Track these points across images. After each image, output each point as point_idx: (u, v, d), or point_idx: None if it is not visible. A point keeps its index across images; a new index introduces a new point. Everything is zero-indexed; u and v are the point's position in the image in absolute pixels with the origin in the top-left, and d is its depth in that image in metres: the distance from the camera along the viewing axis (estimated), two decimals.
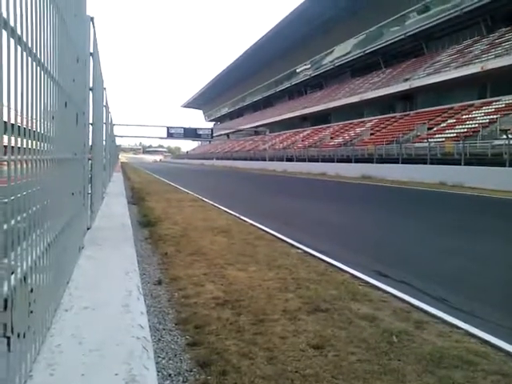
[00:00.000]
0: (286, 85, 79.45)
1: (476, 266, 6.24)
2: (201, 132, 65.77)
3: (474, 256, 6.92)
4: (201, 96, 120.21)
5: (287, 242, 7.43)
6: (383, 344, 3.41)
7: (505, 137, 24.20)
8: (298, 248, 6.97)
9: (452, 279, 5.49)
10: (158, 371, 2.96)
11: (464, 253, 7.14)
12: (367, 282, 5.10)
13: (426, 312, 4.16)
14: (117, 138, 43.81)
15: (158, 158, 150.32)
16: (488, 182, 21.25)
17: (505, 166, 22.44)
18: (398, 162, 31.20)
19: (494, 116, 30.75)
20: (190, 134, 64.88)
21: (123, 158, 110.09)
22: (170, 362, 3.15)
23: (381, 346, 3.38)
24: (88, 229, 5.06)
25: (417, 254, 7.07)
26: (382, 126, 45.13)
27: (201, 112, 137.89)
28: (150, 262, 5.97)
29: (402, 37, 48.84)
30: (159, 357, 3.20)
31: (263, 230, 8.62)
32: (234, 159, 71.48)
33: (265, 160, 57.51)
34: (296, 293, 4.61)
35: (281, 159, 53.09)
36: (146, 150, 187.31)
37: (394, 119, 45.27)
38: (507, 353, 3.32)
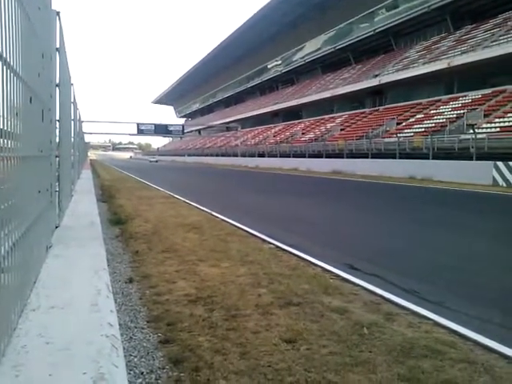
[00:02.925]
0: (258, 81, 79.47)
1: (444, 258, 6.37)
2: (172, 128, 65.13)
3: (443, 248, 7.07)
4: (172, 92, 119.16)
5: (259, 238, 7.44)
6: (354, 336, 3.45)
7: (471, 131, 24.76)
8: (270, 243, 6.99)
9: (422, 271, 5.59)
10: (130, 369, 2.93)
11: (433, 245, 7.28)
12: (338, 276, 5.16)
13: (396, 304, 4.23)
14: (86, 135, 43.06)
15: (128, 154, 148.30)
16: (455, 175, 21.75)
17: (471, 160, 22.99)
18: (367, 157, 31.66)
19: (461, 111, 31.43)
20: (161, 130, 64.20)
21: (92, 155, 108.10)
22: (143, 360, 3.12)
23: (352, 338, 3.42)
24: (56, 227, 4.96)
25: (387, 247, 7.18)
26: (352, 121, 45.63)
27: (172, 108, 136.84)
28: (121, 260, 5.90)
29: (372, 33, 49.42)
30: (131, 355, 3.17)
31: (235, 226, 8.61)
32: (206, 155, 71.28)
33: (237, 156, 57.48)
34: (268, 288, 4.62)
35: (253, 155, 53.16)
36: (116, 147, 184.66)
37: (363, 115, 45.80)
38: (474, 341, 3.40)
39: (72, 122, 9.06)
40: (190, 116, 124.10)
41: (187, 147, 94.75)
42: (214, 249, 6.43)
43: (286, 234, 7.90)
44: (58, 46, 4.87)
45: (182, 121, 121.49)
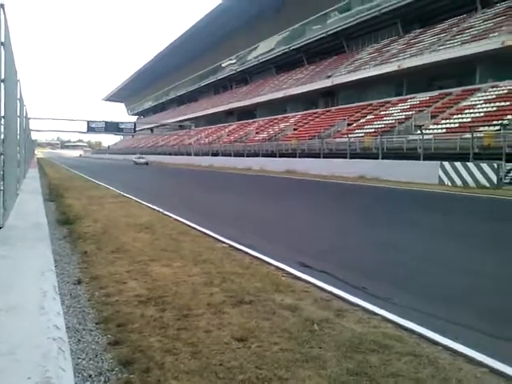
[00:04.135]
0: (212, 79, 79.20)
1: (391, 255, 6.57)
2: (123, 126, 63.92)
3: (391, 245, 7.29)
4: (123, 89, 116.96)
5: (212, 237, 7.42)
6: (305, 333, 3.51)
7: (419, 132, 25.58)
8: (224, 242, 6.98)
9: (370, 268, 5.74)
10: (78, 373, 2.86)
11: (380, 242, 7.49)
12: (290, 274, 5.22)
13: (345, 300, 4.32)
14: (33, 133, 41.64)
15: (77, 153, 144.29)
16: (403, 175, 22.43)
17: (419, 160, 23.78)
18: (319, 157, 32.14)
19: (410, 112, 32.44)
20: (112, 128, 62.90)
21: (40, 153, 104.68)
22: (91, 362, 3.05)
23: (303, 334, 3.48)
24: (0, 227, 4.78)
25: (338, 245, 7.33)
26: (305, 121, 46.21)
27: (123, 105, 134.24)
28: (69, 261, 5.74)
29: (324, 35, 50.25)
30: (79, 358, 3.09)
31: (188, 225, 8.56)
32: (159, 154, 70.39)
33: (190, 155, 57.07)
34: (221, 287, 4.63)
35: (206, 154, 52.96)
36: (65, 145, 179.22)
37: (316, 115, 46.47)
38: (419, 335, 3.53)
39: (18, 119, 8.76)
40: (143, 114, 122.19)
41: (139, 145, 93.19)
42: (165, 248, 6.37)
43: (239, 233, 7.92)
44: (2, 39, 4.70)
45: (133, 119, 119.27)
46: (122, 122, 66.11)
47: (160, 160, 62.74)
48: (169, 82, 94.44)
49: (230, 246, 6.75)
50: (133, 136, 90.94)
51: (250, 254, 6.17)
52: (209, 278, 4.91)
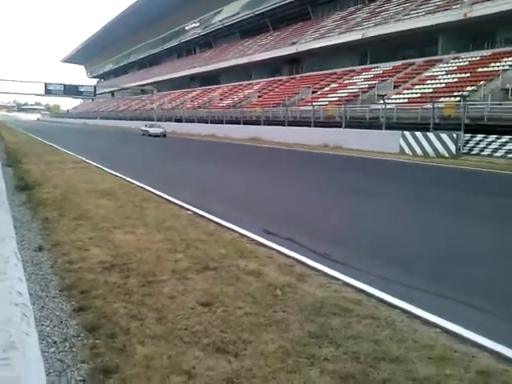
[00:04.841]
0: (175, 42, 77.04)
1: (351, 221, 6.74)
2: (83, 89, 61.66)
3: (352, 211, 7.46)
4: (83, 50, 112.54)
5: (177, 204, 7.41)
6: (268, 297, 3.59)
7: (381, 102, 25.84)
8: (188, 209, 6.98)
9: (332, 235, 5.88)
10: (43, 339, 2.86)
11: (341, 209, 7.66)
12: (254, 240, 5.29)
13: (308, 266, 4.43)
14: None
15: (35, 116, 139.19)
16: (366, 143, 22.77)
17: (381, 129, 24.11)
18: (284, 125, 32.11)
19: (373, 82, 32.57)
20: (71, 91, 60.58)
21: None
22: (56, 329, 3.05)
23: (266, 299, 3.56)
24: None
25: (299, 211, 7.44)
26: (270, 88, 45.83)
27: (83, 68, 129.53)
28: (30, 228, 5.64)
29: (290, 0, 49.39)
30: (43, 325, 3.09)
31: (151, 192, 8.49)
32: (120, 119, 68.67)
33: (153, 120, 56.00)
34: (185, 253, 4.65)
35: (169, 119, 52.01)
36: (21, 108, 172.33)
37: (281, 82, 46.13)
38: (378, 299, 3.67)
39: None
40: (103, 77, 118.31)
41: (99, 110, 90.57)
42: (129, 216, 6.32)
43: (203, 200, 7.91)
44: None
45: (93, 82, 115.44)
46: (82, 85, 63.74)
47: (121, 125, 61.27)
48: (130, 44, 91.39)
49: (195, 213, 6.76)
50: (93, 100, 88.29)
51: (214, 221, 6.20)
52: (173, 245, 4.92)
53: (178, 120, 50.20)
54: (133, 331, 2.98)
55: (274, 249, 4.95)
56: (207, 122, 42.87)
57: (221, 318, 3.20)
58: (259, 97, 44.16)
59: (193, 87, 65.47)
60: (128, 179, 10.00)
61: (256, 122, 36.04)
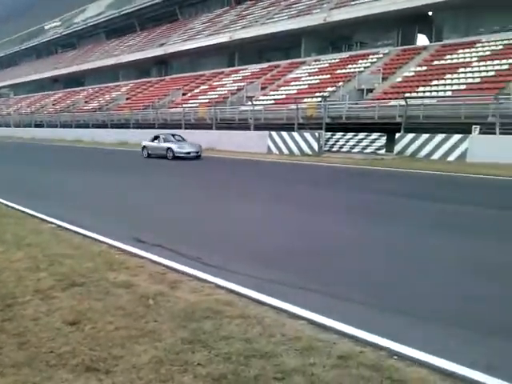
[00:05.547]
0: (34, 42, 71.89)
1: (214, 222, 6.85)
2: None
3: (222, 213, 7.59)
4: None
5: (38, 218, 6.91)
6: (140, 308, 3.51)
7: (250, 103, 26.58)
8: (51, 223, 6.55)
9: (202, 237, 5.93)
10: None
11: (210, 211, 7.76)
12: (124, 250, 5.13)
13: (180, 272, 4.40)
14: None
15: None
16: (236, 144, 23.38)
17: (249, 130, 24.83)
18: (154, 127, 31.54)
19: (242, 83, 33.37)
20: None
21: None
22: None
23: (138, 310, 3.47)
24: None
25: (170, 215, 7.40)
26: (138, 90, 44.80)
27: None
28: None
29: (157, 0, 48.70)
30: None
31: (8, 206, 7.84)
32: None
33: (9, 126, 51.58)
34: (49, 270, 4.36)
35: (28, 125, 48.29)
36: None
37: (150, 84, 45.32)
38: (249, 298, 3.77)
39: None
40: None
41: None
42: None
43: (66, 210, 7.51)
44: None
45: None
46: None
47: None
48: None
49: (59, 226, 6.36)
50: None
51: (80, 233, 5.90)
52: (35, 263, 4.58)
53: (39, 125, 46.92)
54: None
55: (145, 257, 4.84)
56: (71, 127, 40.70)
57: (90, 336, 3.05)
58: (127, 99, 42.93)
59: (55, 90, 61.59)
60: None
61: (125, 126, 35.06)
